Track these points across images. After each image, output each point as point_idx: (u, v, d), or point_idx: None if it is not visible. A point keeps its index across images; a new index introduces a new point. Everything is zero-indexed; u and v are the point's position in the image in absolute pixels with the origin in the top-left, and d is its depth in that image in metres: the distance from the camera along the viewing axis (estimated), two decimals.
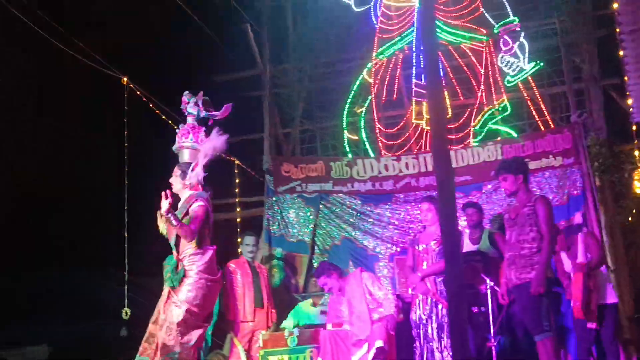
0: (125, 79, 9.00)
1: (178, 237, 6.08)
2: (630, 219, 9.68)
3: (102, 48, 9.17)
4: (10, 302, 12.32)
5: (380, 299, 7.42)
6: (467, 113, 10.26)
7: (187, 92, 7.39)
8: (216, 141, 6.27)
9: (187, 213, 6.07)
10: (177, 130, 6.96)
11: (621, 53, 6.39)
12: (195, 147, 6.49)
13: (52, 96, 10.02)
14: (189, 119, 6.65)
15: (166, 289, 6.09)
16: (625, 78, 7.32)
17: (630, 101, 7.91)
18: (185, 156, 6.53)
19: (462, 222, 8.18)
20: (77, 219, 13.00)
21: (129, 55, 10.07)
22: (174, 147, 6.83)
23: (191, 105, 7.16)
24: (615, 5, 5.50)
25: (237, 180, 10.99)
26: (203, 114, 7.25)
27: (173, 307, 5.94)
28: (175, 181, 6.32)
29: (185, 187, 6.28)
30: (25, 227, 12.55)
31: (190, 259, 6.05)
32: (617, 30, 6.01)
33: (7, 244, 12.15)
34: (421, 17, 4.17)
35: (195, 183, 6.26)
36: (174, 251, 6.11)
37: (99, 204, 12.19)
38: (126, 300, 8.49)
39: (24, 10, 7.66)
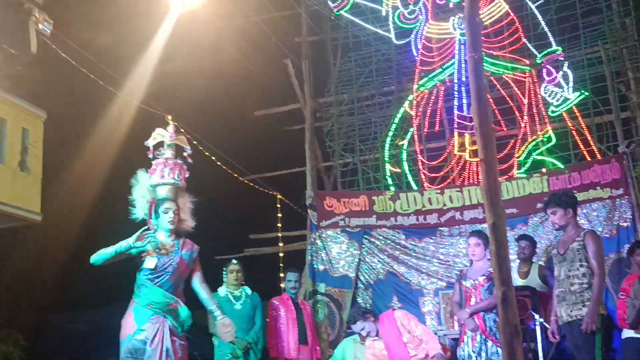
0: (169, 117, 9.09)
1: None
2: None
3: (144, 85, 9.31)
4: (63, 341, 12.47)
5: (421, 336, 7.31)
6: (511, 144, 10.14)
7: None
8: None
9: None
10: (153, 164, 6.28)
11: None
12: (178, 184, 6.29)
13: (100, 135, 10.22)
14: (169, 153, 6.35)
15: None
16: None
17: None
18: (163, 192, 6.19)
19: (512, 256, 8.05)
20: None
21: (170, 91, 10.21)
22: (150, 183, 6.18)
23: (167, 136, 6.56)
24: None
25: (279, 215, 10.99)
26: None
27: None
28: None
29: None
30: (79, 266, 12.74)
31: None
32: None
33: (62, 284, 12.34)
34: (467, 36, 4.15)
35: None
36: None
37: None
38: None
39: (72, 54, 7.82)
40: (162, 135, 6.42)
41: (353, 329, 7.66)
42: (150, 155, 6.33)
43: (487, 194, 3.76)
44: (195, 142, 9.66)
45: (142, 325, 5.64)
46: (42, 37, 6.94)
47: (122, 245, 5.80)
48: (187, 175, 6.37)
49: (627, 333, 6.94)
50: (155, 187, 6.17)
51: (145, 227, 6.00)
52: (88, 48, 7.85)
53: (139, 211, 6.12)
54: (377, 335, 7.48)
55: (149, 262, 5.82)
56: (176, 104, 9.58)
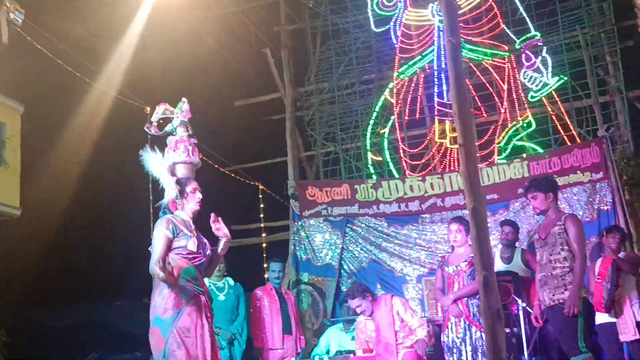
0: (148, 108, 9.01)
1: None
2: None
3: (123, 77, 9.22)
4: (46, 337, 12.38)
5: (413, 327, 7.31)
6: (491, 130, 10.15)
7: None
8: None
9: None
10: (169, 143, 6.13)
11: None
12: (195, 162, 5.99)
13: (78, 126, 10.11)
14: (182, 130, 5.98)
15: None
16: None
17: None
18: (187, 172, 5.87)
19: (494, 241, 8.09)
20: (107, 250, 13.06)
21: (149, 82, 10.10)
22: (174, 161, 5.69)
23: (180, 114, 6.27)
24: None
25: (261, 206, 10.95)
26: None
27: None
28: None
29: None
30: (58, 261, 12.63)
31: None
32: None
33: (42, 279, 12.22)
34: (444, 21, 4.12)
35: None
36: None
37: (125, 234, 12.22)
38: None
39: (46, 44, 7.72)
40: (173, 112, 6.06)
41: (349, 303, 7.60)
42: (152, 131, 5.90)
43: (467, 179, 3.75)
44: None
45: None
46: (15, 27, 6.82)
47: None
48: None
49: (602, 318, 6.99)
50: (175, 165, 5.68)
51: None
52: (62, 39, 7.74)
53: (170, 192, 5.50)
54: (370, 315, 7.47)
55: (190, 244, 5.49)
56: (154, 95, 9.48)
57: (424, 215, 9.55)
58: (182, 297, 5.21)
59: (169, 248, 5.23)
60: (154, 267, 5.13)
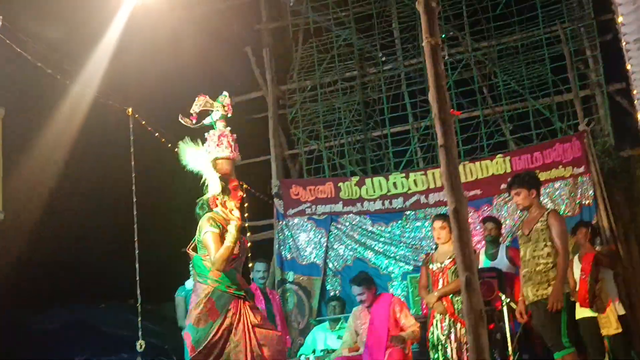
0: (130, 110, 8.96)
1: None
2: None
3: (103, 78, 9.15)
4: (29, 339, 12.27)
5: (405, 326, 7.34)
6: (473, 125, 10.18)
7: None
8: None
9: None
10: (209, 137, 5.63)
11: (628, 67, 6.32)
12: (237, 158, 5.76)
13: (58, 129, 10.02)
14: (221, 125, 5.74)
15: None
16: (634, 92, 7.25)
17: (638, 113, 7.83)
18: (229, 168, 5.61)
19: (478, 237, 8.13)
20: (89, 253, 12.98)
21: (130, 83, 10.04)
22: (217, 155, 5.45)
23: (221, 107, 5.83)
24: (620, 19, 5.45)
25: (245, 205, 10.91)
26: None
27: None
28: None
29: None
30: (39, 263, 12.53)
31: None
32: (623, 42, 5.94)
33: (26, 281, 12.12)
34: (422, 21, 4.12)
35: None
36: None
37: (108, 236, 12.15)
38: (140, 332, 8.45)
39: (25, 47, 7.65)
40: (213, 105, 5.85)
41: (353, 289, 7.61)
42: (192, 122, 5.73)
43: (447, 180, 3.76)
44: (157, 134, 9.58)
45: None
46: None
47: None
48: None
49: (583, 312, 7.05)
50: (217, 160, 5.51)
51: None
52: (40, 42, 7.66)
53: (215, 188, 5.35)
54: (368, 307, 7.51)
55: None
56: (135, 96, 9.44)
57: (408, 213, 9.57)
58: (218, 308, 5.12)
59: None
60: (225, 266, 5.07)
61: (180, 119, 5.81)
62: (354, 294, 7.61)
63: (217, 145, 5.55)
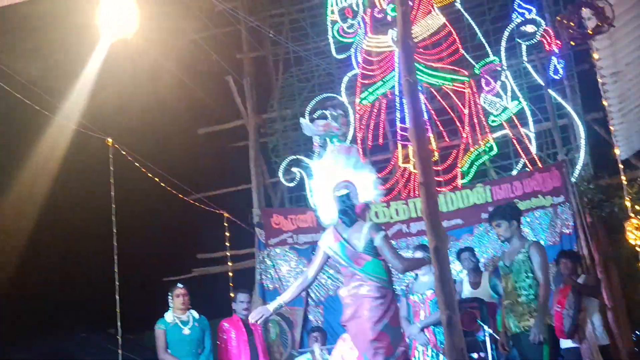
0: (109, 140, 8.92)
1: None
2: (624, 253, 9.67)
3: (84, 108, 9.12)
4: None
5: None
6: (454, 154, 10.24)
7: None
8: None
9: None
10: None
11: (604, 102, 6.41)
12: None
13: (37, 158, 9.98)
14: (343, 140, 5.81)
15: None
16: (611, 128, 7.35)
17: (616, 147, 7.92)
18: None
19: (458, 267, 8.13)
20: (69, 283, 12.88)
21: (109, 112, 10.02)
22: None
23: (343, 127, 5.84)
24: (596, 56, 5.53)
25: (227, 234, 10.87)
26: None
27: None
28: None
29: None
30: (20, 294, 12.41)
31: None
32: (599, 78, 6.03)
33: (3, 311, 11.99)
34: (401, 59, 4.17)
35: None
36: None
37: (88, 266, 12.06)
38: None
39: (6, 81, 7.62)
40: (333, 125, 5.81)
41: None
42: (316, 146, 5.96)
43: (428, 218, 3.78)
44: (137, 165, 9.54)
45: None
46: None
47: None
48: None
49: (566, 343, 7.06)
50: None
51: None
52: (20, 76, 7.64)
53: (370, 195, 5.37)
54: None
55: None
56: (116, 126, 9.40)
57: None
58: None
59: None
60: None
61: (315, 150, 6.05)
62: None
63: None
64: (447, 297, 3.68)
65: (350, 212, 5.36)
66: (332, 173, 5.57)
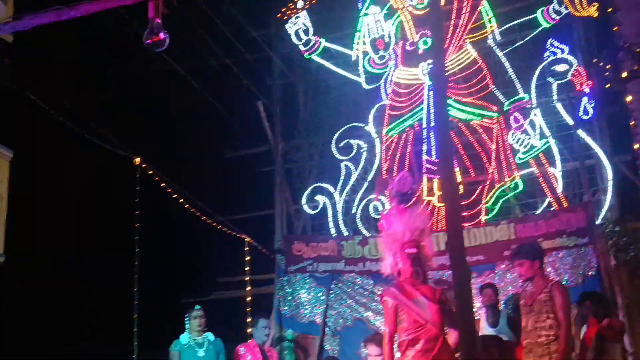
0: (137, 159, 9.02)
1: None
2: None
3: (113, 126, 9.23)
4: None
5: None
6: (479, 190, 10.17)
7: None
8: None
9: None
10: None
11: (636, 145, 6.37)
12: None
13: (65, 178, 10.10)
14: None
15: None
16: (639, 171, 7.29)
17: None
18: None
19: (477, 304, 8.05)
20: (87, 294, 12.94)
21: (139, 132, 10.14)
22: None
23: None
24: (629, 98, 5.50)
25: (247, 258, 10.87)
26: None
27: None
28: None
29: None
30: (36, 303, 12.49)
31: None
32: (632, 121, 5.99)
33: (17, 326, 12.07)
34: (434, 93, 4.19)
35: None
36: None
37: (109, 280, 12.12)
38: None
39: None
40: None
41: None
42: None
43: (452, 252, 3.76)
44: (163, 185, 9.62)
45: None
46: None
47: None
48: None
49: None
50: None
51: None
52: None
53: None
54: None
55: None
56: (144, 146, 9.50)
57: None
58: None
59: None
60: None
61: None
62: None
63: None
64: (467, 333, 3.64)
65: None
66: None
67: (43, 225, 11.08)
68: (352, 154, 11.06)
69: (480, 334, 7.70)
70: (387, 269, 6.26)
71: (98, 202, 11.16)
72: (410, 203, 6.65)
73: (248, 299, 10.60)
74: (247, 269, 10.83)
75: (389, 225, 6.40)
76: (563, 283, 7.73)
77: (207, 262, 12.83)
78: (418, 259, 6.28)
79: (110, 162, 9.37)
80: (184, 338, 7.81)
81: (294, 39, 11.11)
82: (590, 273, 8.54)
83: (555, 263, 8.73)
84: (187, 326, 7.91)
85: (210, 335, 7.90)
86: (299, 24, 11.07)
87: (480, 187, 10.19)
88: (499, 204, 9.91)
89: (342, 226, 10.63)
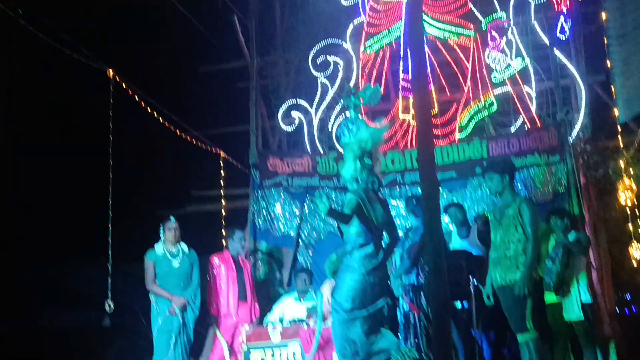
0: (110, 70, 8.90)
1: None
2: (613, 215, 9.77)
3: (85, 38, 9.04)
4: None
5: None
6: (454, 108, 10.21)
7: None
8: None
9: None
10: None
11: (608, 63, 6.39)
12: None
13: (34, 88, 9.90)
14: None
15: None
16: (612, 91, 7.35)
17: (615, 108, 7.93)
18: None
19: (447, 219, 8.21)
20: (60, 208, 12.93)
21: (113, 45, 9.95)
22: None
23: None
24: (604, 16, 5.49)
25: (222, 173, 10.91)
26: None
27: None
28: None
29: None
30: (9, 217, 12.47)
31: None
32: (605, 39, 6.00)
33: None
34: (409, 9, 4.16)
35: None
36: None
37: (83, 194, 12.11)
38: (109, 292, 8.47)
39: None
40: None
41: None
42: None
43: (422, 166, 3.81)
44: (137, 98, 9.53)
45: None
46: None
47: None
48: None
49: (551, 298, 7.21)
50: None
51: None
52: None
53: None
54: None
55: None
56: (117, 59, 9.36)
57: (383, 190, 9.59)
58: None
59: None
60: None
61: None
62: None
63: None
64: (435, 244, 3.72)
65: None
66: None
67: (11, 140, 10.95)
68: (329, 71, 10.98)
69: (451, 248, 7.88)
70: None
71: (69, 115, 11.04)
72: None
73: (223, 212, 10.71)
74: (221, 183, 10.89)
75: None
76: (532, 199, 7.91)
77: (182, 176, 12.86)
78: None
79: (82, 73, 9.22)
80: (159, 248, 7.87)
81: None
82: (559, 190, 8.70)
83: (526, 180, 8.87)
84: (161, 237, 7.97)
85: (184, 246, 7.97)
86: None
87: (455, 105, 10.22)
88: (473, 122, 9.97)
89: (317, 143, 10.66)
